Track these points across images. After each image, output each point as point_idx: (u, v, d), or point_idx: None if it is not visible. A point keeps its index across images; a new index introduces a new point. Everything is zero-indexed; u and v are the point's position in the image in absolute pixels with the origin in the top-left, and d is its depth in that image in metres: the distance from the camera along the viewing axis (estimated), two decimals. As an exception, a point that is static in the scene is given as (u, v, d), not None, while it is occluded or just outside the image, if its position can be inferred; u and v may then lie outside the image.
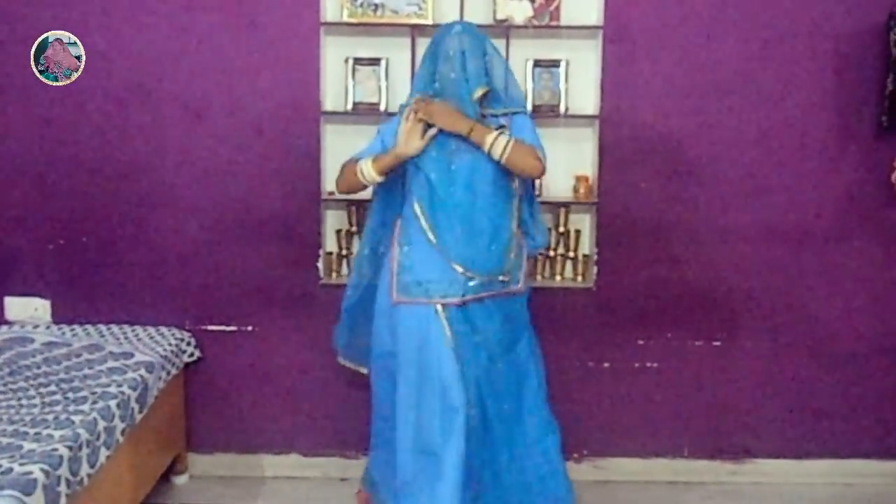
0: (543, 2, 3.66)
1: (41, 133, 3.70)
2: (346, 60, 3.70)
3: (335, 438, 3.87)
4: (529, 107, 3.67)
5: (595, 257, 3.75)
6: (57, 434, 2.62)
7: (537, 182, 3.65)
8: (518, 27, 3.64)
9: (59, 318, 3.80)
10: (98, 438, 2.75)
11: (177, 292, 3.79)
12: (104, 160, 3.71)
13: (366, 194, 3.32)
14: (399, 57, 3.68)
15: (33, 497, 2.31)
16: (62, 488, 2.47)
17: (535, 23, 3.66)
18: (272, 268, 3.76)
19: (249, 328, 3.81)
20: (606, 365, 3.83)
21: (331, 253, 3.80)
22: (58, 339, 3.56)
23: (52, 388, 3.05)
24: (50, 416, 2.77)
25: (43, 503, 2.35)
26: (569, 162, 3.76)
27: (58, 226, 3.75)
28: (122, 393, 3.01)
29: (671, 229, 3.73)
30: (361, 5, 3.65)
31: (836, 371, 3.83)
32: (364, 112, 3.71)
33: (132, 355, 3.36)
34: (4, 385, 3.07)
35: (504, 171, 3.03)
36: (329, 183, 3.73)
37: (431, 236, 3.03)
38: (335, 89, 3.74)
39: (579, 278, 3.81)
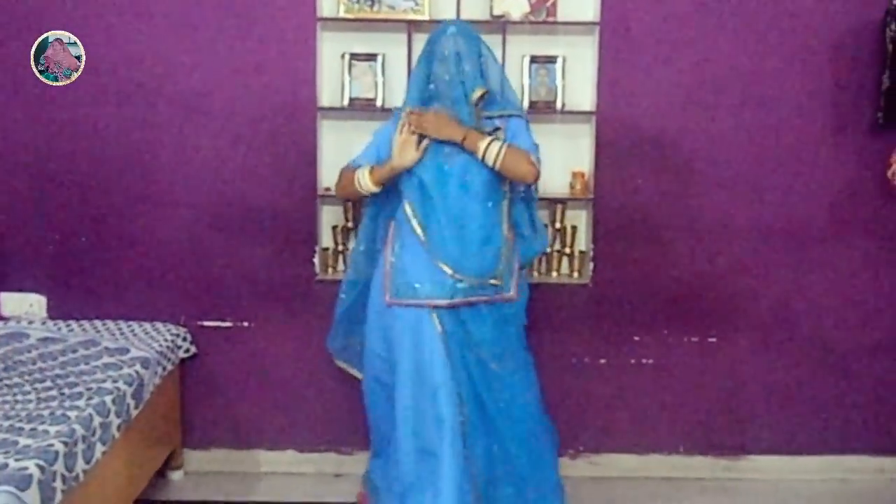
0: (540, -2, 3.66)
1: (37, 129, 3.69)
2: (343, 56, 3.70)
3: (331, 434, 3.87)
4: (526, 103, 3.68)
5: (591, 254, 3.76)
6: (52, 430, 2.61)
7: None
8: (514, 23, 3.64)
9: (54, 313, 3.79)
10: (93, 434, 2.75)
11: (172, 288, 3.78)
12: (100, 156, 3.70)
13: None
14: (395, 52, 3.67)
15: (29, 492, 2.30)
16: (58, 484, 2.46)
17: (532, 19, 3.65)
18: (268, 263, 3.76)
19: (245, 324, 3.81)
20: (602, 361, 3.83)
21: (327, 249, 3.80)
22: (53, 334, 3.55)
23: (48, 383, 3.04)
24: (45, 412, 2.77)
25: (38, 499, 2.35)
26: (565, 158, 3.76)
27: (53, 221, 3.74)
28: (118, 388, 3.01)
29: (667, 226, 3.74)
30: (358, 1, 3.64)
31: (831, 367, 3.84)
32: (360, 108, 3.70)
33: (128, 351, 3.36)
34: (-1, 381, 3.07)
35: (497, 175, 3.03)
36: (325, 179, 3.73)
37: (422, 238, 3.03)
38: (331, 85, 3.74)
39: (575, 274, 3.81)
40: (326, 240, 3.82)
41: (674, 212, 3.73)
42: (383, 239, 3.21)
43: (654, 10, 3.61)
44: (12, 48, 3.61)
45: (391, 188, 3.15)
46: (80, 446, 2.64)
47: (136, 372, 3.19)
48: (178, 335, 3.67)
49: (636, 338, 3.81)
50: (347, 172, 3.15)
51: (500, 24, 3.62)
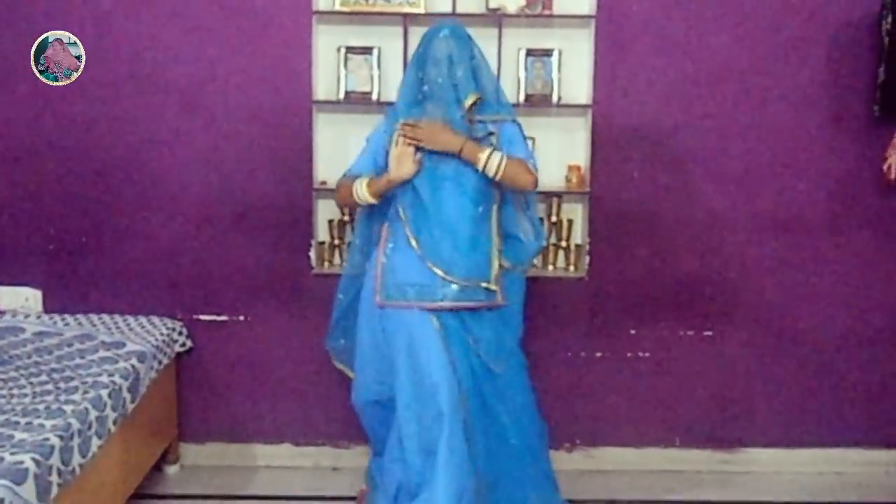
0: (536, -9, 3.66)
1: (32, 123, 3.68)
2: (339, 49, 3.69)
3: (327, 428, 3.87)
4: (522, 96, 3.68)
5: (587, 247, 3.76)
6: (48, 424, 2.61)
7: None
8: (510, 16, 3.63)
9: (50, 307, 3.79)
10: (89, 428, 2.75)
11: (168, 282, 3.78)
12: (95, 150, 3.69)
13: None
14: (391, 46, 3.67)
15: (24, 486, 2.30)
16: (53, 478, 2.46)
17: (528, 12, 3.65)
18: (264, 257, 3.76)
19: (241, 318, 3.81)
20: (598, 355, 3.83)
21: (323, 242, 3.80)
22: (49, 328, 3.55)
23: (44, 377, 3.04)
24: (41, 406, 2.76)
25: (34, 493, 2.35)
26: (561, 152, 3.76)
27: (49, 215, 3.74)
28: (114, 382, 3.01)
29: (664, 219, 3.74)
30: (353, -6, 3.64)
31: (826, 361, 3.84)
32: (356, 101, 3.70)
33: (123, 345, 3.36)
34: (-5, 375, 3.07)
35: (489, 179, 3.02)
36: (322, 172, 3.73)
37: (413, 240, 3.02)
38: (327, 78, 3.73)
39: (571, 268, 3.81)
40: (322, 233, 3.81)
41: (670, 205, 3.73)
42: (376, 239, 3.20)
43: (650, 3, 3.60)
44: (12, 48, 3.61)
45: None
46: (76, 440, 2.64)
47: (132, 366, 3.19)
48: (174, 329, 3.66)
49: (632, 331, 3.82)
50: (346, 182, 3.12)
51: (496, 18, 3.61)
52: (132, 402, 3.13)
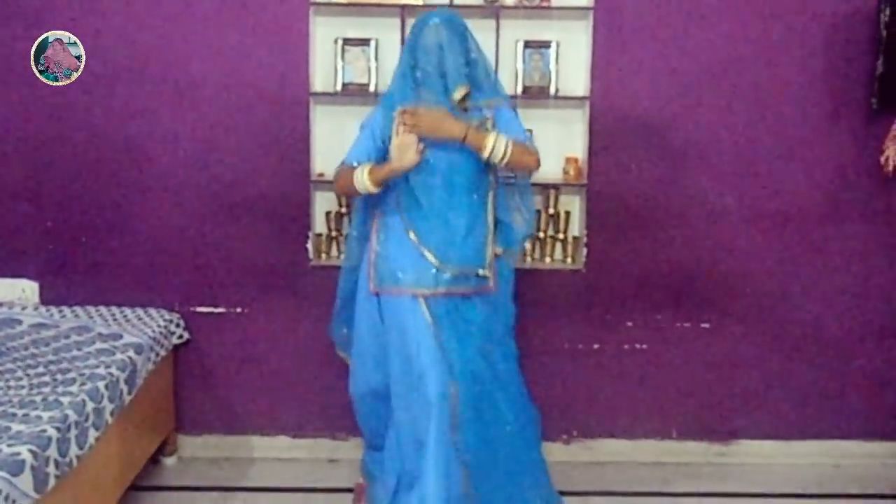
0: (534, -18, 3.65)
1: (29, 115, 3.67)
2: (336, 41, 3.68)
3: (324, 420, 3.88)
4: (519, 88, 3.67)
5: (584, 239, 3.75)
6: (45, 415, 2.61)
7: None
8: (508, 8, 3.63)
9: (46, 299, 3.78)
10: (87, 420, 2.75)
11: (166, 274, 3.77)
12: (92, 142, 3.69)
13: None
14: (389, 37, 3.66)
15: (21, 478, 2.30)
16: (51, 469, 2.46)
17: (526, 4, 3.64)
18: (261, 249, 3.75)
19: (238, 310, 3.80)
20: (595, 347, 3.84)
21: (320, 234, 3.80)
22: (46, 320, 3.55)
23: (40, 369, 3.04)
24: (38, 398, 2.76)
25: (31, 484, 2.35)
26: (559, 144, 3.76)
27: (46, 207, 3.73)
28: (111, 374, 3.01)
29: (661, 211, 3.74)
30: (351, -15, 3.64)
31: (823, 353, 3.85)
32: (353, 93, 3.69)
33: (120, 337, 3.35)
34: (-8, 366, 3.07)
35: (483, 164, 3.01)
36: (319, 164, 3.73)
37: (407, 227, 3.02)
38: (324, 70, 3.72)
39: (569, 260, 3.81)
40: (320, 225, 3.81)
41: (667, 197, 3.73)
42: (370, 228, 3.18)
43: (648, -4, 3.60)
44: (12, 48, 3.61)
45: None
46: (73, 432, 2.64)
47: (130, 358, 3.19)
48: (171, 321, 3.66)
49: (629, 323, 3.82)
50: (345, 170, 3.06)
51: (493, 10, 3.60)
52: (129, 393, 3.13)
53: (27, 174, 3.71)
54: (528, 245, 3.78)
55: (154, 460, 3.69)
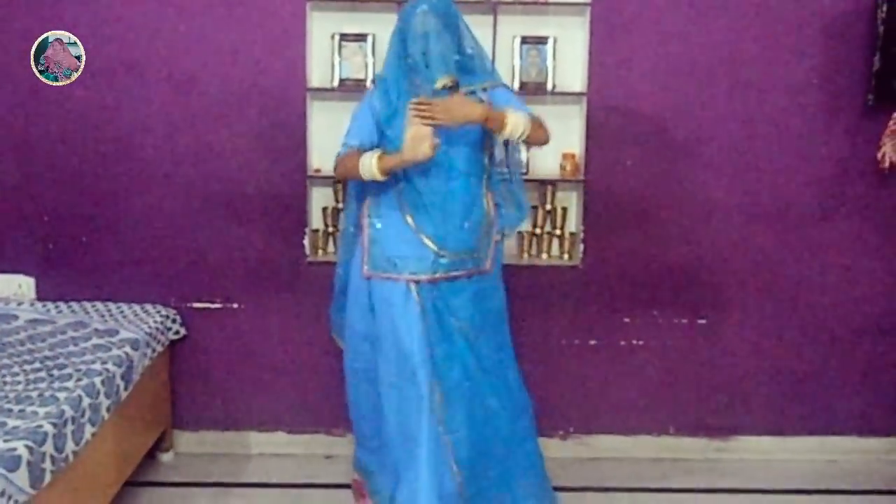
0: (531, -22, 3.64)
1: (25, 110, 3.67)
2: (333, 36, 3.68)
3: (321, 416, 3.87)
4: (517, 84, 3.67)
5: (581, 235, 3.76)
6: (41, 411, 2.61)
7: (524, 159, 3.66)
8: (506, 3, 3.62)
9: (43, 295, 3.78)
10: (83, 415, 2.74)
11: (162, 270, 3.77)
12: (89, 138, 3.68)
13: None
14: (386, 33, 3.58)
15: (17, 473, 2.30)
16: (47, 465, 2.46)
17: (523, -1, 3.64)
18: (258, 245, 3.75)
19: (235, 305, 3.80)
20: (593, 343, 3.84)
21: (317, 230, 3.79)
22: (42, 316, 3.54)
23: (37, 365, 3.03)
24: (34, 393, 2.76)
25: (27, 479, 2.35)
26: (556, 139, 3.69)
27: (42, 203, 3.73)
28: (107, 370, 3.00)
29: (658, 207, 3.74)
30: (348, -20, 3.63)
31: (819, 349, 3.86)
32: (350, 88, 3.68)
33: (117, 332, 3.35)
34: (-12, 362, 3.06)
35: (479, 147, 3.00)
36: (315, 160, 3.72)
37: (406, 212, 2.99)
38: (321, 65, 3.72)
39: (566, 256, 3.81)
40: (316, 221, 3.81)
41: (664, 193, 3.73)
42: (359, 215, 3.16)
43: (645, -9, 3.60)
44: (12, 48, 3.60)
45: None
46: (70, 427, 2.63)
47: (126, 353, 3.18)
48: (167, 317, 3.66)
49: (626, 319, 3.82)
50: (351, 154, 2.99)
51: (491, 5, 3.60)
52: (125, 389, 3.13)
53: (24, 171, 3.70)
54: (524, 241, 3.79)
55: (150, 456, 3.68)
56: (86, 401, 2.78)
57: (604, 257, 3.76)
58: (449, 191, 2.98)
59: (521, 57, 3.69)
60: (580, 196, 3.77)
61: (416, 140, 2.79)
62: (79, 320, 3.49)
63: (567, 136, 3.77)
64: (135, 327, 3.42)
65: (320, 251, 3.79)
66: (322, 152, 3.69)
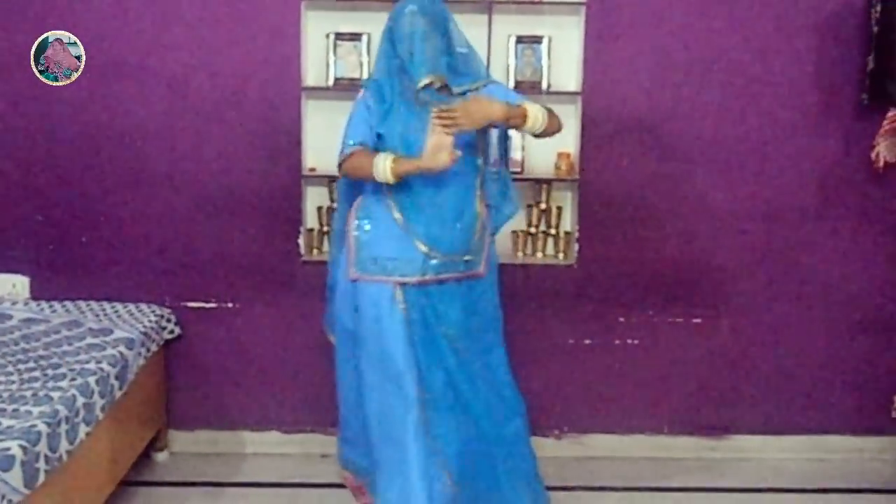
0: (526, -23, 3.64)
1: (20, 110, 3.66)
2: (328, 35, 3.68)
3: (316, 415, 3.87)
4: (512, 83, 3.67)
5: (576, 234, 3.76)
6: (35, 410, 2.60)
7: (519, 158, 3.67)
8: (501, 3, 3.62)
9: (37, 294, 3.77)
10: (77, 415, 2.74)
11: (157, 269, 3.77)
12: (84, 137, 3.68)
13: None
14: (380, 32, 3.63)
15: (11, 473, 2.30)
16: (41, 465, 2.45)
17: (518, -2, 3.64)
18: (253, 244, 3.75)
19: (230, 305, 3.80)
20: (587, 342, 3.84)
21: (311, 229, 3.79)
22: (36, 315, 3.53)
23: (31, 364, 3.03)
24: (28, 393, 2.75)
25: (21, 479, 2.34)
26: (551, 139, 3.74)
27: (37, 202, 3.72)
28: (102, 369, 3.00)
29: (653, 207, 3.74)
30: (343, -20, 3.63)
31: (813, 348, 3.86)
32: (345, 87, 3.68)
33: (111, 332, 3.35)
34: (-18, 361, 3.05)
35: (472, 147, 2.98)
36: (310, 159, 3.72)
37: (397, 214, 2.97)
38: (316, 65, 3.72)
39: (561, 255, 3.82)
40: (311, 220, 3.81)
41: (659, 193, 3.73)
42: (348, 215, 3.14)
43: (640, -9, 3.60)
44: (12, 48, 3.60)
45: None
46: (64, 427, 2.63)
47: (120, 353, 3.18)
48: (162, 316, 3.66)
49: (621, 319, 3.82)
50: (363, 153, 2.93)
51: (486, 4, 3.60)
52: (120, 389, 3.12)
53: (19, 170, 3.70)
54: (519, 240, 3.79)
55: (145, 455, 3.68)
56: (80, 400, 2.77)
57: (599, 256, 3.77)
58: (442, 192, 2.96)
59: (516, 56, 3.69)
60: (575, 195, 3.77)
61: (437, 149, 2.77)
62: (73, 320, 3.48)
63: (562, 135, 3.71)
64: (129, 327, 3.42)
65: (315, 250, 3.79)
66: (317, 152, 3.69)
